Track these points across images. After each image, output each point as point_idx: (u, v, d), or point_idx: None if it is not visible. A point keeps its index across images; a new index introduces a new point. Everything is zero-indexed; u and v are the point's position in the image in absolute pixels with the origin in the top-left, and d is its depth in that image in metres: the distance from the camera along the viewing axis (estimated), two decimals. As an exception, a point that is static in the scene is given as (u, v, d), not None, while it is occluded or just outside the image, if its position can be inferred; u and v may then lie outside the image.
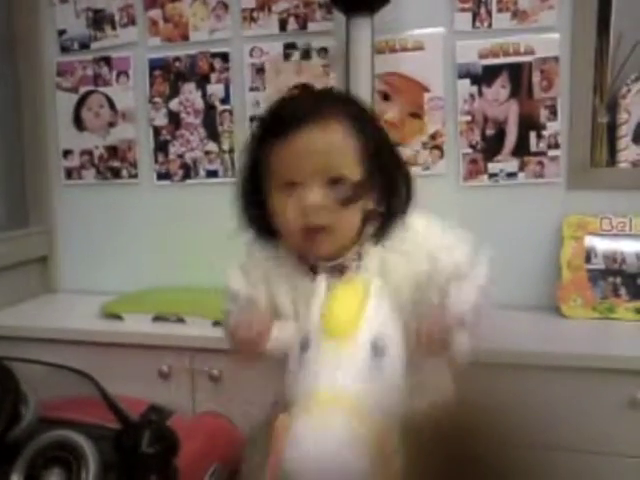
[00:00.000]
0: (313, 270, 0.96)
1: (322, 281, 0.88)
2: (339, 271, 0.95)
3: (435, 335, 0.85)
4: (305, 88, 1.05)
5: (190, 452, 1.14)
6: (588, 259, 1.65)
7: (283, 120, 0.91)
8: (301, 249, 0.96)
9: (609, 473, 1.38)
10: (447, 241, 0.97)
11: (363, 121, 0.94)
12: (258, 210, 0.97)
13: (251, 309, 0.94)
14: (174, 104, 1.90)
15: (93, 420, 1.18)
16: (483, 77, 1.69)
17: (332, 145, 0.90)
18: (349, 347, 0.78)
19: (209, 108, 1.88)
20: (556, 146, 1.68)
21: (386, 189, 0.95)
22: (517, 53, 1.67)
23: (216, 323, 1.59)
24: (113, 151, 1.97)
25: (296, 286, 0.96)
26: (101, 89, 1.96)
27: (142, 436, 1.01)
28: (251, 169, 0.98)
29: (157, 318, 1.68)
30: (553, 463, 1.33)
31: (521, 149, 1.70)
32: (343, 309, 0.81)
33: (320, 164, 0.89)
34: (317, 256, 0.95)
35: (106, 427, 1.15)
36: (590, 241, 1.65)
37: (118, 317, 1.71)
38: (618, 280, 1.63)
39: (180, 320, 1.66)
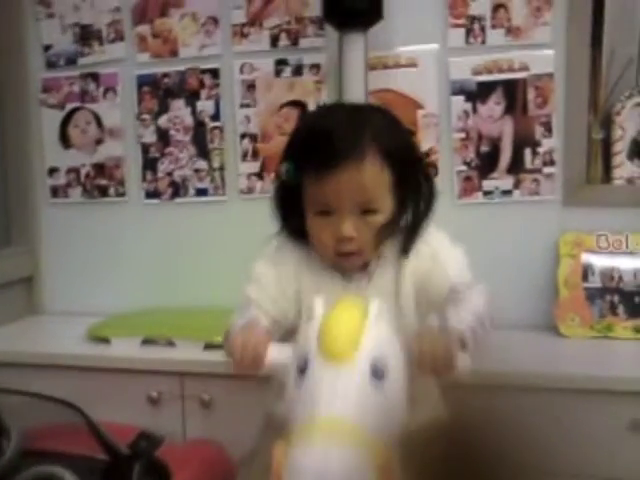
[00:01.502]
0: (341, 269, 1.05)
1: (319, 301, 0.87)
2: (363, 266, 1.05)
3: (437, 358, 0.85)
4: (341, 108, 1.10)
5: (182, 482, 1.09)
6: (585, 277, 1.63)
7: (323, 153, 0.97)
8: (332, 261, 1.05)
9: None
10: (453, 252, 1.06)
11: (398, 151, 1.01)
12: (294, 213, 1.05)
13: (251, 328, 0.93)
14: (163, 121, 1.87)
15: (80, 451, 1.15)
16: (477, 94, 1.68)
17: (368, 181, 0.97)
18: (348, 371, 0.77)
19: (199, 125, 1.85)
20: (551, 163, 1.67)
21: (413, 204, 1.05)
22: (511, 69, 1.66)
23: (207, 346, 1.57)
24: (100, 169, 1.94)
25: (324, 277, 1.05)
26: (88, 106, 1.92)
27: (132, 470, 0.97)
28: (288, 185, 1.04)
29: (146, 341, 1.64)
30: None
31: (516, 166, 1.69)
32: (341, 330, 0.80)
33: (356, 198, 0.98)
34: (346, 269, 1.05)
35: (94, 459, 1.11)
36: (587, 259, 1.64)
37: (105, 340, 1.67)
38: (616, 298, 1.62)
39: (170, 343, 1.62)
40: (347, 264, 1.04)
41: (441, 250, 1.05)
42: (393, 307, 1.02)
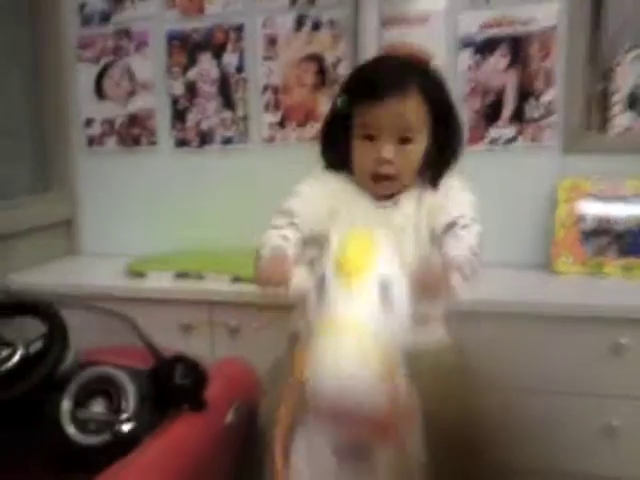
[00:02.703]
0: (372, 195, 1.21)
1: (334, 234, 0.99)
2: (390, 194, 1.21)
3: (435, 280, 0.96)
4: (394, 57, 1.23)
5: (214, 390, 1.25)
6: (580, 219, 1.75)
7: (375, 88, 1.14)
8: (369, 187, 1.21)
9: (593, 412, 1.51)
10: (462, 193, 1.20)
11: (434, 89, 1.18)
12: (338, 143, 1.21)
13: (278, 257, 1.05)
14: (191, 74, 2.00)
15: (128, 363, 1.27)
16: (484, 47, 1.78)
17: (408, 112, 1.14)
18: (359, 284, 0.88)
19: (224, 77, 1.97)
20: (552, 112, 1.78)
21: (442, 144, 1.20)
22: (517, 24, 1.75)
23: (234, 279, 1.71)
24: (133, 119, 2.07)
25: (357, 201, 1.21)
26: (121, 60, 2.05)
27: (175, 370, 1.13)
28: (339, 116, 1.20)
29: (178, 275, 1.79)
30: (538, 405, 1.47)
31: (519, 116, 1.80)
32: (353, 253, 0.91)
33: (397, 126, 1.14)
34: (378, 194, 1.21)
35: (140, 369, 1.24)
36: (583, 202, 1.75)
37: (141, 275, 1.82)
38: (608, 239, 1.73)
39: (200, 277, 1.77)
40: (381, 190, 1.20)
41: (453, 191, 1.20)
42: (413, 230, 1.18)
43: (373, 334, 0.85)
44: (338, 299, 0.88)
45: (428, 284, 0.96)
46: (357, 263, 0.90)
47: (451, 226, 1.13)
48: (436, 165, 1.21)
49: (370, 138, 1.16)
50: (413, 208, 1.20)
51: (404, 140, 1.15)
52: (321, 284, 0.91)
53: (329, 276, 0.91)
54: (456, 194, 1.20)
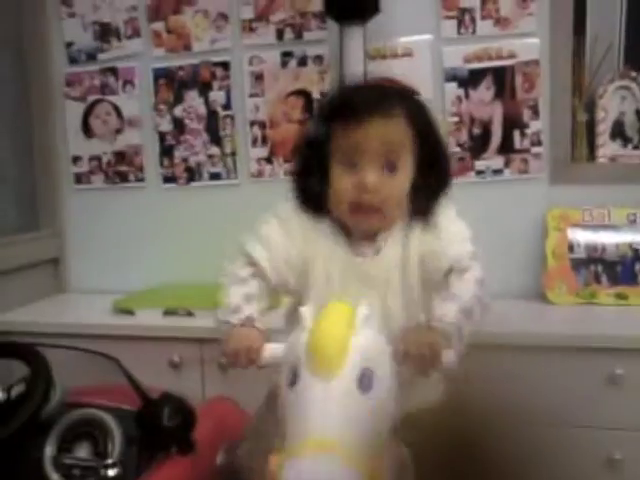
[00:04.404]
0: (349, 236, 1.06)
1: (308, 310, 0.90)
2: (371, 238, 1.05)
3: (424, 354, 0.89)
4: (374, 81, 1.18)
5: (204, 430, 1.22)
6: (571, 249, 1.75)
7: (355, 108, 1.01)
8: (347, 220, 1.05)
9: (590, 445, 1.48)
10: (456, 227, 1.07)
11: (419, 115, 1.05)
12: (314, 181, 1.06)
13: (247, 333, 0.99)
14: (178, 111, 2.01)
15: (114, 404, 1.25)
16: (469, 80, 1.81)
17: (392, 136, 1.01)
18: (335, 387, 0.80)
19: (211, 114, 1.98)
20: (539, 143, 1.79)
21: (427, 175, 1.05)
22: (500, 57, 1.78)
23: (224, 315, 1.69)
24: (120, 156, 2.07)
25: (332, 247, 1.06)
26: (108, 98, 2.06)
27: (162, 411, 1.10)
28: (315, 143, 1.07)
29: (167, 313, 1.77)
30: (538, 437, 1.44)
31: (506, 147, 1.81)
32: (329, 343, 0.82)
33: (381, 150, 1.00)
34: (362, 230, 1.05)
35: (127, 409, 1.22)
36: (573, 232, 1.76)
37: (130, 312, 1.79)
38: (599, 268, 1.73)
39: (189, 314, 1.75)
40: (361, 224, 1.04)
41: (444, 226, 1.05)
42: (399, 282, 1.04)
43: (353, 451, 0.78)
44: (313, 409, 0.80)
45: (417, 361, 0.89)
46: (332, 358, 0.81)
47: (447, 274, 1.01)
48: (423, 200, 1.05)
49: (351, 164, 1.01)
50: (399, 255, 1.05)
51: (389, 167, 1.01)
52: (293, 381, 0.84)
53: (302, 373, 0.83)
54: (451, 230, 1.05)
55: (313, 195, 1.06)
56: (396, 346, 0.88)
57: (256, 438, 1.10)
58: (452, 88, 1.81)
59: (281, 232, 1.07)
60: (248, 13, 1.92)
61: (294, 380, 0.83)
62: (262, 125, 1.95)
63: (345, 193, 1.02)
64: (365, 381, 0.81)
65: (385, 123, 1.00)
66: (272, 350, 0.94)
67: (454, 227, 1.06)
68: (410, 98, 1.08)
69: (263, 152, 1.95)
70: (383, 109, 1.00)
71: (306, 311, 0.90)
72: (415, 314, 1.03)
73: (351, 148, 1.01)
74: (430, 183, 1.05)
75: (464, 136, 1.83)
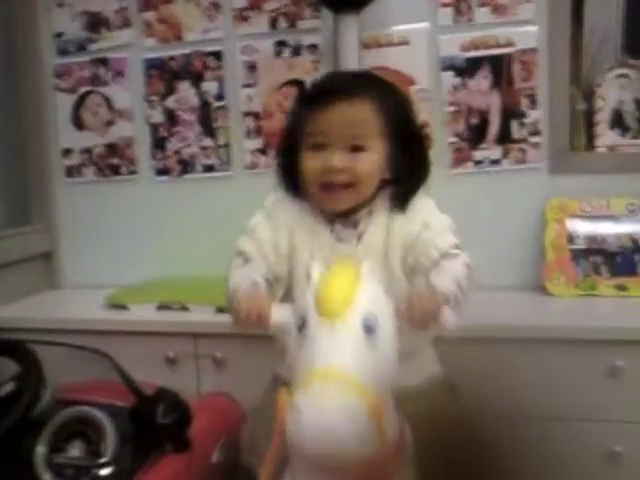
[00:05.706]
0: (332, 223, 1.12)
1: (315, 265, 0.94)
2: (353, 225, 1.11)
3: (424, 311, 0.91)
4: (346, 70, 1.29)
5: (199, 427, 1.20)
6: (570, 239, 1.73)
7: (322, 93, 1.10)
8: (320, 202, 1.11)
9: (590, 437, 1.46)
10: (441, 220, 1.11)
11: (390, 101, 1.10)
12: (293, 167, 1.12)
13: (255, 294, 1.00)
14: (170, 102, 1.97)
15: (107, 400, 1.23)
16: (466, 69, 1.78)
17: (357, 118, 1.06)
18: (342, 327, 0.83)
19: (204, 105, 1.95)
20: (537, 133, 1.77)
21: (404, 162, 1.10)
22: (497, 45, 1.75)
23: (218, 310, 1.67)
24: (112, 149, 2.04)
25: (316, 235, 1.12)
26: (99, 89, 2.02)
27: (157, 408, 1.08)
28: (291, 131, 1.14)
29: (161, 307, 1.75)
30: (537, 430, 1.43)
31: (504, 137, 1.78)
32: (335, 291, 0.86)
33: (346, 133, 1.06)
34: (334, 209, 1.11)
35: (120, 406, 1.20)
36: (572, 222, 1.74)
37: (123, 307, 1.77)
38: (599, 259, 1.71)
39: (184, 308, 1.73)
40: (334, 202, 1.09)
41: (431, 217, 1.10)
42: (381, 265, 1.08)
43: (358, 381, 0.80)
44: (321, 345, 0.83)
45: (417, 315, 0.90)
46: (339, 303, 0.85)
47: (436, 261, 1.05)
48: (402, 185, 1.11)
49: (318, 147, 1.07)
50: (381, 241, 1.10)
51: (355, 147, 1.07)
52: (302, 325, 0.87)
53: (311, 317, 0.86)
54: (436, 221, 1.10)
55: (292, 180, 1.13)
56: (398, 302, 0.91)
57: (259, 422, 1.10)
58: (449, 77, 1.78)
59: (268, 224, 1.13)
60: (241, 2, 1.88)
61: (303, 324, 0.86)
62: (256, 116, 1.91)
63: (314, 175, 1.08)
64: (370, 324, 0.84)
65: (349, 105, 1.06)
66: (280, 312, 0.95)
67: (442, 218, 1.11)
68: (381, 83, 1.13)
69: (257, 143, 1.92)
70: (346, 92, 1.06)
71: (314, 267, 0.93)
72: (395, 294, 1.02)
73: (318, 132, 1.07)
74: (408, 169, 1.10)
75: (461, 126, 1.80)
